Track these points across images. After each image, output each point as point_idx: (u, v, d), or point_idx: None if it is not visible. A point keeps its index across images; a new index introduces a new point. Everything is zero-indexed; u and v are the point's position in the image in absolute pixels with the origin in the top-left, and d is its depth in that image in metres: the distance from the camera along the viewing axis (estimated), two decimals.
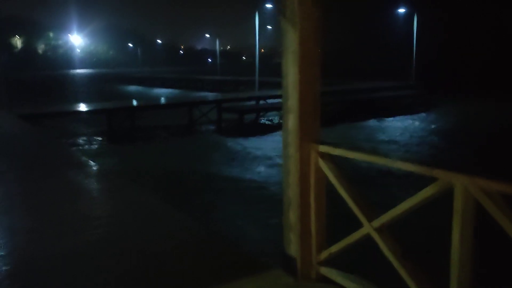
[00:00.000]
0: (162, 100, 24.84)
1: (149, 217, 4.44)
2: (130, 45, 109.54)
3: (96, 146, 15.54)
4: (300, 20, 2.75)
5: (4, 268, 3.32)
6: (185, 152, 14.47)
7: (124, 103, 20.04)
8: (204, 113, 20.03)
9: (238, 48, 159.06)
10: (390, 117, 21.05)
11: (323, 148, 2.80)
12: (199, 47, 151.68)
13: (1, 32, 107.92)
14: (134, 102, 20.83)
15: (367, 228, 2.58)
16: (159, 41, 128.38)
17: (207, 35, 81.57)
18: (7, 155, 8.22)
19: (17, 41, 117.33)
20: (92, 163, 7.22)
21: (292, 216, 2.94)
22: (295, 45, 2.78)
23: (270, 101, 22.73)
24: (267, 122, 21.03)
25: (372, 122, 20.00)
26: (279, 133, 3.08)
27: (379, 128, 18.96)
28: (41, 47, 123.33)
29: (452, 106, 25.54)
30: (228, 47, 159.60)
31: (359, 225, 2.67)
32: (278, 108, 21.84)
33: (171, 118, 20.25)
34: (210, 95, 28.07)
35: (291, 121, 2.89)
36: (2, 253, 3.58)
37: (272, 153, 13.94)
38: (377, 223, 2.53)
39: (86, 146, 15.43)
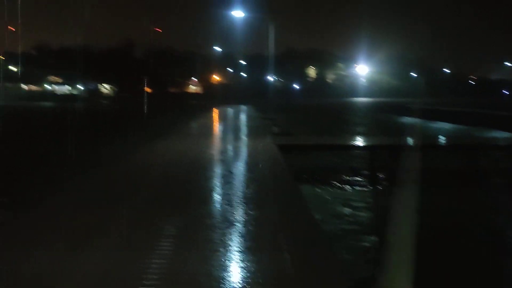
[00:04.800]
0: (440, 139, 21.05)
1: None
2: (414, 74, 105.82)
3: (354, 188, 13.55)
4: None
5: None
6: (477, 224, 10.54)
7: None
8: (496, 160, 15.44)
9: None
10: None
11: None
12: (493, 77, 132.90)
13: (301, 63, 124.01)
14: (407, 140, 18.06)
15: None
16: (446, 70, 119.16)
17: (508, 63, 68.90)
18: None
19: (312, 71, 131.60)
20: None
21: None
22: None
23: None
24: None
25: None
26: None
27: None
28: (330, 77, 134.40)
29: None
30: None
31: None
32: None
33: (442, 159, 16.34)
34: (506, 136, 22.40)
35: None
36: None
37: None
38: None
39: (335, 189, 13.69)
